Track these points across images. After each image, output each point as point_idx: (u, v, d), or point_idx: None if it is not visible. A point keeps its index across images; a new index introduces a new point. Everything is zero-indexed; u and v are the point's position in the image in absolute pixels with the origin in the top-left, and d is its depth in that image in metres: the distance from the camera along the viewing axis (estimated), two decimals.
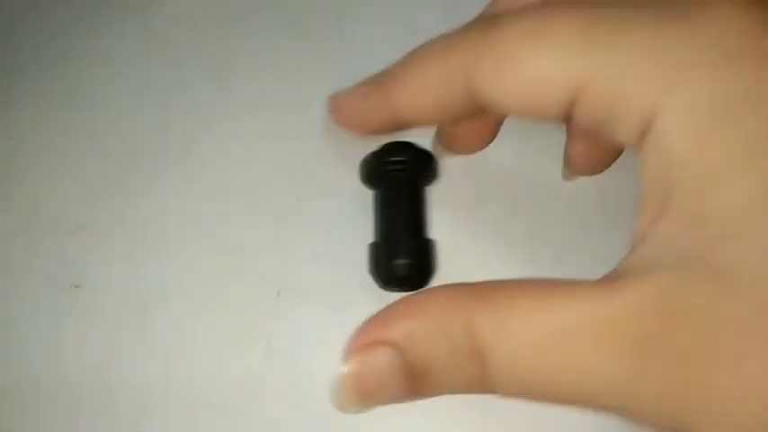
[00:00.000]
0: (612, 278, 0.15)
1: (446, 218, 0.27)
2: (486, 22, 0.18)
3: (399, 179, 0.25)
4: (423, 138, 0.27)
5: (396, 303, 0.18)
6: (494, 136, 0.26)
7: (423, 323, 0.16)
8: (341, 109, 0.23)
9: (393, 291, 0.25)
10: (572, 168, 0.26)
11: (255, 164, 0.31)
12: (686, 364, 0.13)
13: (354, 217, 0.28)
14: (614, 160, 0.24)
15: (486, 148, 0.26)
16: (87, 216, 0.31)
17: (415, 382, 0.16)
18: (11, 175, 0.32)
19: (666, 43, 0.15)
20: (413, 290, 0.24)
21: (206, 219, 0.30)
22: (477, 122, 0.25)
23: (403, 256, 0.24)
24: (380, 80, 0.22)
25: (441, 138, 0.26)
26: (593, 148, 0.24)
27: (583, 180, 0.27)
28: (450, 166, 0.28)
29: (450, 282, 0.17)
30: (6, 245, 0.30)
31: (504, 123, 0.26)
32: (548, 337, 0.15)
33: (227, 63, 0.35)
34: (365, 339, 0.17)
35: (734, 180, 0.14)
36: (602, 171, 0.25)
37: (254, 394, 0.26)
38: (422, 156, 0.26)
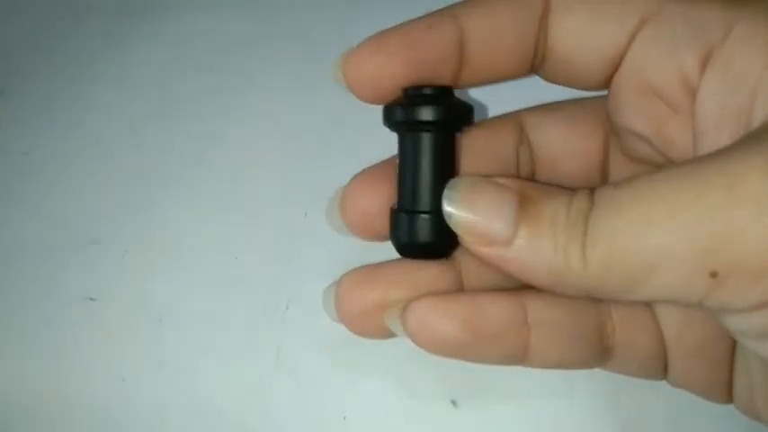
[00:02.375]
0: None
1: None
2: None
3: (429, 121, 0.20)
4: None
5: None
6: None
7: (542, 189, 0.17)
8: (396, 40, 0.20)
9: (411, 257, 0.21)
10: None
11: (265, 180, 0.32)
12: None
13: None
14: None
15: None
16: (101, 230, 0.31)
17: (521, 229, 0.16)
18: (27, 189, 0.33)
19: None
20: (435, 257, 0.20)
21: (216, 233, 0.31)
22: None
23: (425, 218, 0.19)
24: (448, 11, 0.20)
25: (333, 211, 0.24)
26: None
27: None
28: None
29: None
30: (22, 258, 0.31)
31: None
32: (663, 194, 0.14)
33: (237, 80, 0.36)
34: (488, 184, 0.17)
35: None
36: None
37: (264, 405, 0.27)
38: (455, 99, 0.21)
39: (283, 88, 0.35)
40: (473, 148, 0.21)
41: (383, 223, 0.20)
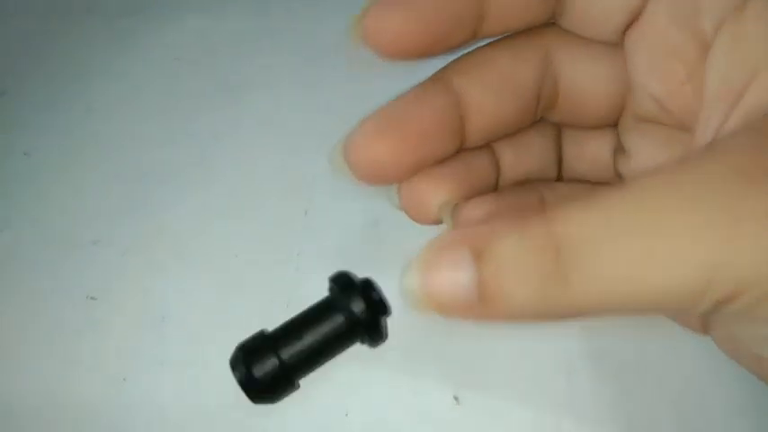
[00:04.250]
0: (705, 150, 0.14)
1: None
2: None
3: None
4: None
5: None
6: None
7: (501, 227, 0.15)
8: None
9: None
10: None
11: (265, 179, 0.32)
12: None
13: (361, 229, 0.29)
14: None
15: None
16: (103, 230, 0.31)
17: (487, 288, 0.14)
18: (28, 189, 0.33)
19: None
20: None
21: (217, 232, 0.31)
22: None
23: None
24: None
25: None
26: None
27: None
28: None
29: None
30: (24, 258, 0.31)
31: None
32: (636, 222, 0.13)
33: (238, 82, 0.36)
34: (440, 242, 0.15)
35: None
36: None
37: (268, 405, 0.27)
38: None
39: (283, 88, 0.35)
40: (494, 71, 0.19)
41: (389, 169, 0.19)
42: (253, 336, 0.20)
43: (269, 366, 0.19)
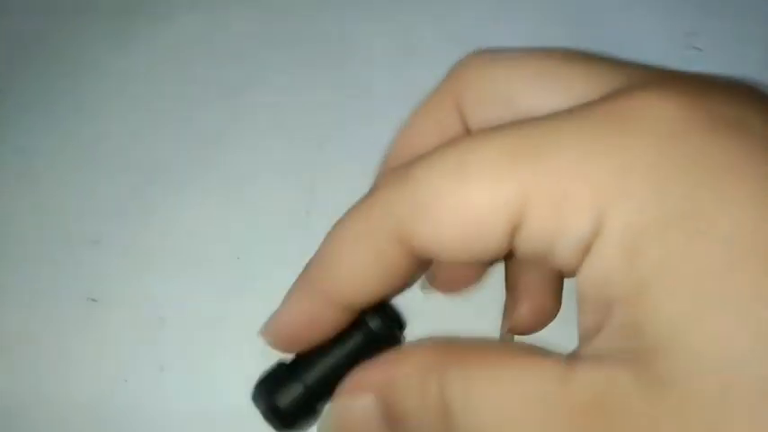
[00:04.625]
0: (567, 364, 0.15)
1: None
2: (397, 175, 0.17)
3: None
4: None
5: (388, 352, 0.18)
6: (484, 272, 0.25)
7: (403, 374, 0.16)
8: (280, 332, 0.20)
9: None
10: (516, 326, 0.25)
11: (266, 180, 0.32)
12: None
13: None
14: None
15: None
16: (102, 230, 0.31)
17: (391, 429, 0.16)
18: (27, 189, 0.33)
19: (599, 154, 0.15)
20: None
21: (218, 233, 0.31)
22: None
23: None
24: (307, 279, 0.19)
25: (429, 277, 0.23)
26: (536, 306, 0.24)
27: None
28: None
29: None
30: (23, 258, 0.31)
31: None
32: (506, 403, 0.15)
33: (238, 81, 0.36)
34: (352, 383, 0.17)
35: (665, 294, 0.14)
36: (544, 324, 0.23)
37: None
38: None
39: (285, 89, 0.35)
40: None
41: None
42: (271, 367, 0.20)
43: (294, 392, 0.19)
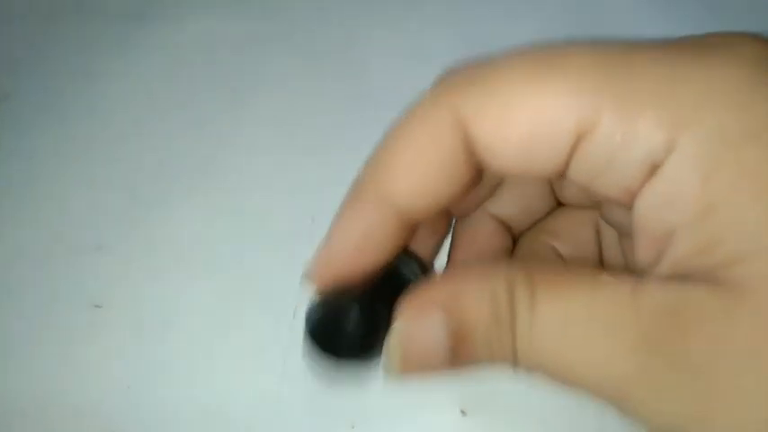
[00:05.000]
0: (635, 283, 0.15)
1: None
2: (465, 75, 0.16)
3: None
4: None
5: (444, 275, 0.18)
6: None
7: (472, 287, 0.16)
8: (332, 255, 0.18)
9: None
10: None
11: (271, 185, 0.32)
12: (693, 370, 0.14)
13: None
14: None
15: None
16: (106, 236, 0.31)
17: (457, 346, 0.16)
18: (31, 193, 0.33)
19: (679, 78, 0.15)
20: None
21: (223, 239, 0.31)
22: None
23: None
24: (363, 185, 0.18)
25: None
26: None
27: None
28: None
29: None
30: (28, 265, 0.31)
31: None
32: (572, 321, 0.15)
33: (243, 85, 0.35)
34: (414, 303, 0.16)
35: (741, 209, 0.14)
36: None
37: (272, 414, 0.27)
38: None
39: (289, 92, 0.35)
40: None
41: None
42: (312, 313, 0.19)
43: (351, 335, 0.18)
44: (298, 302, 0.29)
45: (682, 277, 0.15)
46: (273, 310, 0.29)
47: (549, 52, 0.16)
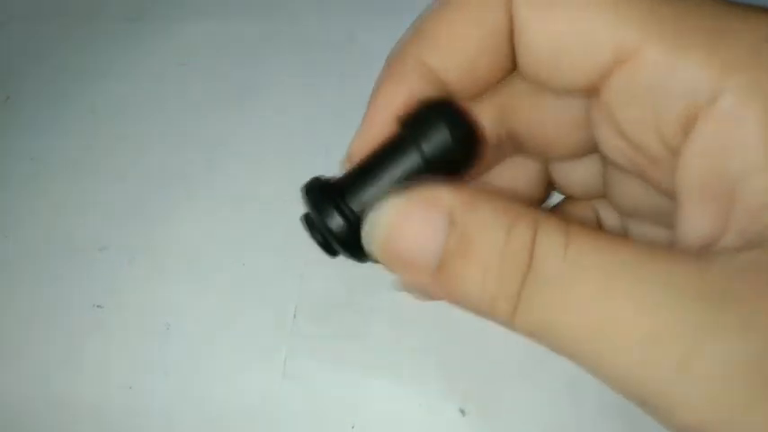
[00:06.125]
0: (700, 254, 0.13)
1: None
2: None
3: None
4: None
5: (473, 183, 0.16)
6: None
7: (491, 207, 0.14)
8: (374, 122, 0.18)
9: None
10: None
11: (272, 186, 0.32)
12: None
13: None
14: None
15: None
16: (109, 237, 0.31)
17: (448, 262, 0.14)
18: (34, 195, 0.33)
19: (726, 29, 0.14)
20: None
21: (224, 240, 0.31)
22: None
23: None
24: (406, 51, 0.18)
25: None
26: None
27: None
28: None
29: None
30: (30, 265, 0.31)
31: None
32: (616, 283, 0.13)
33: (244, 85, 0.36)
34: (421, 195, 0.15)
35: None
36: None
37: (272, 413, 0.27)
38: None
39: (292, 94, 0.35)
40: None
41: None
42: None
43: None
44: (298, 302, 0.29)
45: (755, 243, 0.13)
46: (273, 310, 0.29)
47: None
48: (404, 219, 0.15)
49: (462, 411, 0.26)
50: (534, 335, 0.14)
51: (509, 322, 0.14)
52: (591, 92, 0.15)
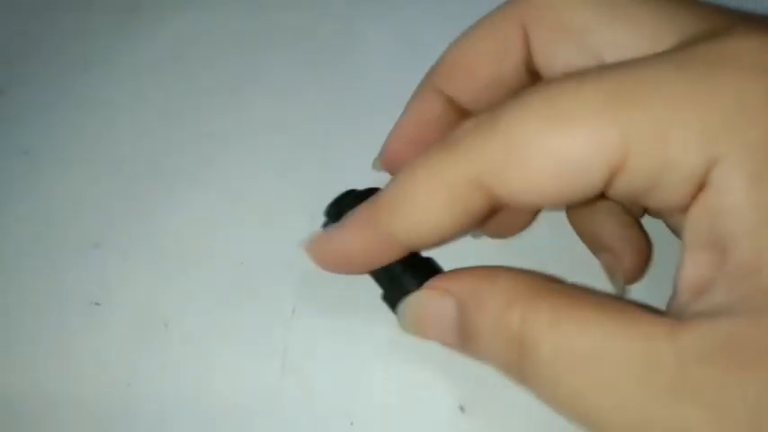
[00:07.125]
0: (673, 320, 0.14)
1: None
2: (482, 121, 0.16)
3: None
4: None
5: (477, 268, 0.19)
6: (533, 218, 0.24)
7: (489, 292, 0.17)
8: (328, 251, 0.22)
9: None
10: (629, 277, 0.23)
11: (271, 183, 0.32)
12: (757, 419, 0.12)
13: None
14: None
15: None
16: (105, 233, 0.31)
17: (464, 340, 0.18)
18: (28, 190, 0.33)
19: (706, 93, 0.14)
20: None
21: (222, 237, 0.31)
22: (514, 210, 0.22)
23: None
24: (373, 209, 0.19)
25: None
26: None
27: None
28: None
29: None
30: (26, 261, 0.31)
31: None
32: (598, 355, 0.14)
33: (241, 80, 0.35)
34: (439, 282, 0.19)
35: None
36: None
37: (270, 411, 0.27)
38: None
39: (289, 87, 0.35)
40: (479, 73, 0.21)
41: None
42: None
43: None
44: (297, 298, 0.29)
45: (732, 309, 0.13)
46: (273, 308, 0.29)
47: (559, 87, 0.15)
48: (422, 310, 0.20)
49: (462, 408, 0.26)
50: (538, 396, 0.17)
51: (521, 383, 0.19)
52: (600, 194, 0.17)
